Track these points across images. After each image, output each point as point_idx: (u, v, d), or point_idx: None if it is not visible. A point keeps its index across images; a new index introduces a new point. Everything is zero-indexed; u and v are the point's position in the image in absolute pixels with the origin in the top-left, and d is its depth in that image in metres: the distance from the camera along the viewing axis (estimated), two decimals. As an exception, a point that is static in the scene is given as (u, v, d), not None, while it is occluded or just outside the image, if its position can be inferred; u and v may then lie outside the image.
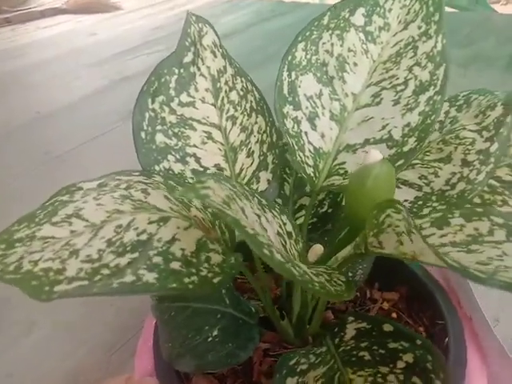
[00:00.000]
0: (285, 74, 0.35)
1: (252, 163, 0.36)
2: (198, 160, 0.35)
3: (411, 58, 0.34)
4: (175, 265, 0.25)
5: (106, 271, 0.23)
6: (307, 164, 0.34)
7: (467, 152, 0.34)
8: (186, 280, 0.24)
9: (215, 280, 0.25)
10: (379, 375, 0.28)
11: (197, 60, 0.35)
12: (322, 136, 0.35)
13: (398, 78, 0.34)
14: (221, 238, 0.29)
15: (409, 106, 0.34)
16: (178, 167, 0.34)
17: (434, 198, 0.33)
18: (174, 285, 0.23)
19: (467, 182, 0.32)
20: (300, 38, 0.35)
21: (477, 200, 0.33)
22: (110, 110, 1.30)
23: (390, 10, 0.35)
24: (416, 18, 0.34)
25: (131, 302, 0.67)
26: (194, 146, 0.35)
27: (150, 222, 0.27)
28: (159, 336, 0.36)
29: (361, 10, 0.35)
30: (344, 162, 0.35)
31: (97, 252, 0.24)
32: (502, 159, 0.34)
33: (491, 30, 1.84)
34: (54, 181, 0.97)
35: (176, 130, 0.35)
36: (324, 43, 0.35)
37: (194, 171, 0.35)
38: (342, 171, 0.34)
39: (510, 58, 1.52)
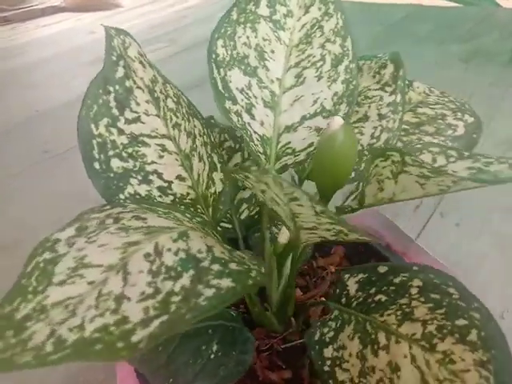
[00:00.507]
0: (215, 71, 0.36)
1: (204, 167, 0.37)
2: (160, 176, 0.34)
3: (320, 36, 0.37)
4: (232, 265, 0.24)
5: (176, 298, 0.21)
6: (259, 152, 0.36)
7: (379, 107, 0.38)
8: (253, 274, 0.24)
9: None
10: (404, 306, 0.31)
11: (129, 73, 0.34)
12: (262, 124, 0.36)
13: (314, 56, 0.37)
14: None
15: (332, 78, 0.37)
16: (143, 189, 0.33)
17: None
18: (250, 281, 0.23)
19: (388, 131, 0.38)
20: (217, 36, 0.36)
21: (398, 144, 0.39)
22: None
23: None
24: (314, 2, 0.37)
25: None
26: (152, 162, 0.34)
27: (175, 240, 0.26)
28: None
29: (264, 2, 0.37)
30: (289, 142, 0.37)
31: (147, 285, 0.22)
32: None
33: (494, 25, 1.81)
34: (54, 179, 0.98)
35: (130, 151, 0.34)
36: (240, 37, 0.36)
37: (159, 188, 0.34)
38: (289, 151, 0.37)
39: (512, 52, 1.51)
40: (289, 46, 0.37)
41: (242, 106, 0.36)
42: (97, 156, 0.32)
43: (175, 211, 0.30)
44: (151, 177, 0.34)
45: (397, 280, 0.33)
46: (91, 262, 0.24)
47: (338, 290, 0.36)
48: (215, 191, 0.37)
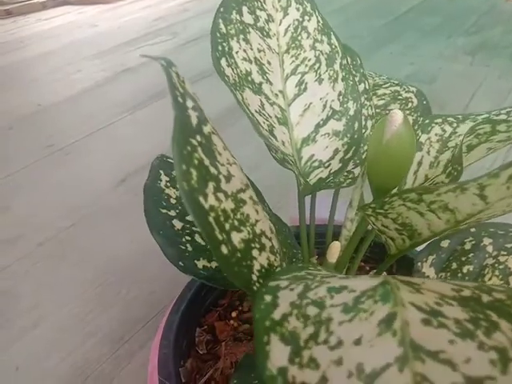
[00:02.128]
0: (237, 95, 0.33)
1: None
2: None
3: (307, 37, 0.36)
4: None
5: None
6: (299, 174, 0.35)
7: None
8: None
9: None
10: (496, 265, 0.34)
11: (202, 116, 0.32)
12: (283, 144, 0.35)
13: (310, 59, 0.36)
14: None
15: (332, 78, 0.36)
16: (264, 257, 0.27)
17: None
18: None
19: (370, 118, 0.40)
20: (218, 55, 0.33)
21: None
22: (112, 102, 1.29)
23: (264, 0, 0.35)
24: (290, 2, 0.36)
25: (140, 294, 0.67)
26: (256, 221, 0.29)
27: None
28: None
29: (245, 8, 0.34)
30: (312, 155, 0.36)
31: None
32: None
33: (499, 18, 1.81)
34: (58, 174, 0.97)
35: (239, 217, 0.28)
36: (237, 52, 0.34)
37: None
38: (316, 164, 0.36)
39: (517, 45, 1.50)
40: (279, 53, 0.35)
41: (267, 130, 0.34)
42: (220, 237, 0.22)
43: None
44: (263, 240, 0.26)
45: (467, 247, 0.34)
46: None
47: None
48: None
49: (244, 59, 0.33)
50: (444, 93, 1.21)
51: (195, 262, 0.33)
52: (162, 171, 0.36)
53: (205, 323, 0.46)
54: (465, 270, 0.36)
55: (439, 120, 0.39)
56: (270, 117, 0.34)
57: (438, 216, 0.24)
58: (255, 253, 0.25)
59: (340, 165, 0.36)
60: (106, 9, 2.38)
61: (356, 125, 0.36)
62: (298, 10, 0.36)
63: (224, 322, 0.46)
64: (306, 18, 0.36)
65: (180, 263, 0.32)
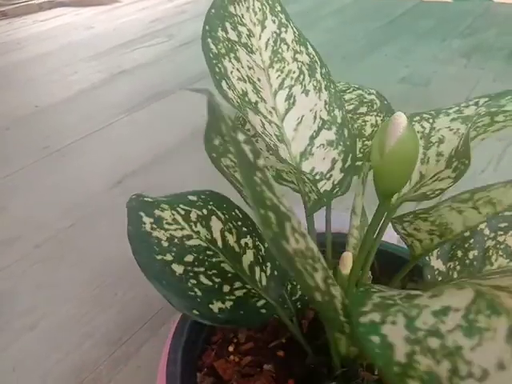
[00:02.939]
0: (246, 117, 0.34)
1: None
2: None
3: (288, 49, 0.36)
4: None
5: None
6: (308, 190, 0.34)
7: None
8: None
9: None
10: (498, 245, 0.36)
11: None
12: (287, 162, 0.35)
13: (294, 72, 0.36)
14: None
15: (317, 88, 0.37)
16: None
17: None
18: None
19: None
20: (218, 77, 0.33)
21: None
22: (109, 104, 1.30)
23: (242, 15, 0.35)
24: (266, 15, 0.36)
25: (136, 296, 0.67)
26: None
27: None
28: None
29: (228, 25, 0.34)
30: (313, 169, 0.36)
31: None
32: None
33: (492, 20, 1.82)
34: (54, 175, 0.97)
35: None
36: (231, 72, 0.34)
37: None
38: (318, 176, 0.36)
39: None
40: (264, 68, 0.35)
41: (274, 149, 0.34)
42: (311, 283, 0.22)
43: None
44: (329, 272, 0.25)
45: (466, 233, 0.35)
46: None
47: (429, 276, 0.36)
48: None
49: (239, 79, 0.32)
50: (438, 95, 1.22)
51: (210, 306, 0.32)
52: (142, 213, 0.36)
53: (203, 366, 0.43)
54: (470, 255, 0.37)
55: (417, 118, 0.40)
56: (271, 135, 0.34)
57: (479, 211, 0.26)
58: (333, 290, 0.23)
59: (342, 174, 0.36)
60: (102, 10, 2.38)
61: (346, 132, 0.37)
62: (274, 22, 0.36)
63: (224, 360, 0.43)
64: (283, 29, 0.36)
65: (194, 311, 0.31)
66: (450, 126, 0.38)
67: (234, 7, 0.33)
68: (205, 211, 0.37)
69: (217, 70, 0.30)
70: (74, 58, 1.68)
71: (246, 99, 0.32)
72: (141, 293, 0.68)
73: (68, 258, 0.76)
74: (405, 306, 0.20)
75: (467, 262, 0.37)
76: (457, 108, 0.40)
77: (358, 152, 0.42)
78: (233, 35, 0.33)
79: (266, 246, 0.39)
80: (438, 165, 0.37)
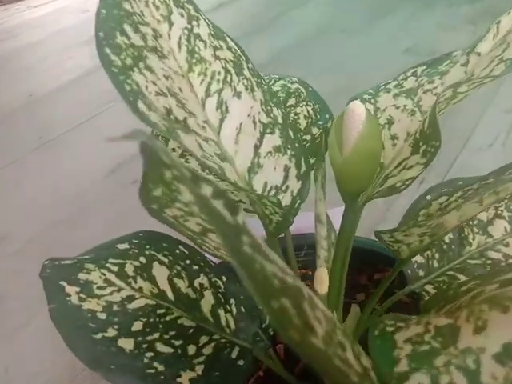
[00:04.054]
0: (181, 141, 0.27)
1: None
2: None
3: (205, 46, 0.30)
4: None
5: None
6: (265, 214, 0.29)
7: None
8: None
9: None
10: None
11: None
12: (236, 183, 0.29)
13: (219, 73, 0.30)
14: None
15: (249, 87, 0.31)
16: None
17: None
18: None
19: None
20: (131, 98, 0.25)
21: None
22: (105, 90, 1.24)
23: (142, 12, 0.28)
24: (171, 9, 0.29)
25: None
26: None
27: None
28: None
29: (128, 28, 0.26)
30: (265, 183, 0.31)
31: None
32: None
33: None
34: (50, 166, 0.94)
35: None
36: (147, 86, 0.26)
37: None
38: (273, 191, 0.31)
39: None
40: (183, 75, 0.28)
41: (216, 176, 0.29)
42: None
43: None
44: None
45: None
46: None
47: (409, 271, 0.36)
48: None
49: (158, 94, 0.25)
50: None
51: (178, 380, 0.27)
52: (63, 283, 0.29)
53: None
54: (446, 239, 0.35)
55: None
56: (213, 156, 0.27)
57: (482, 203, 0.24)
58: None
59: (300, 183, 0.31)
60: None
61: (291, 132, 0.32)
62: (182, 15, 0.29)
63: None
64: (195, 23, 0.29)
65: None
66: (396, 104, 0.35)
67: (130, 3, 0.25)
68: (142, 259, 0.31)
69: (127, 87, 0.23)
70: (69, 43, 1.58)
71: (172, 118, 0.25)
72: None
73: (61, 252, 0.74)
74: (452, 352, 0.17)
75: (444, 247, 0.35)
76: (396, 82, 0.37)
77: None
78: (136, 39, 0.25)
79: (224, 279, 0.33)
80: (398, 150, 0.33)
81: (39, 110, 1.20)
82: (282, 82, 0.42)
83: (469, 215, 0.25)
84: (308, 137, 0.39)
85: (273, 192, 0.30)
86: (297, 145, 0.31)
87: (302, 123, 0.40)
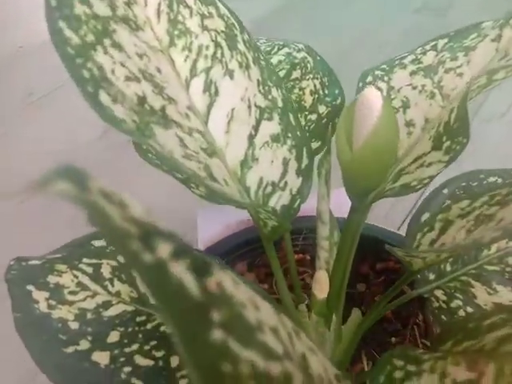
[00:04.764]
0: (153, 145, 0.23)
1: None
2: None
3: (191, 14, 0.24)
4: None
5: None
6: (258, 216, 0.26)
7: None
8: None
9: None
10: None
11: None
12: (226, 182, 0.24)
13: (208, 47, 0.25)
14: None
15: (243, 65, 0.26)
16: None
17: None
18: None
19: None
20: (90, 88, 0.20)
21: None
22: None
23: None
24: None
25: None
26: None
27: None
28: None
29: None
30: (261, 179, 0.27)
31: None
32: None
33: None
34: (38, 126, 0.90)
35: None
36: (113, 70, 0.21)
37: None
38: (270, 188, 0.27)
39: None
40: (163, 50, 0.23)
41: (207, 177, 0.23)
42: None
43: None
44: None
45: None
46: None
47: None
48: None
49: (128, 79, 0.20)
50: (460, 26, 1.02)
51: None
52: (30, 287, 0.25)
53: None
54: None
55: (369, 78, 0.33)
56: (198, 153, 0.23)
57: None
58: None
59: (300, 179, 0.27)
60: None
61: (291, 117, 0.27)
62: None
63: None
64: None
65: None
66: (413, 83, 0.31)
67: None
68: (121, 258, 0.27)
69: (85, 74, 0.18)
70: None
71: (147, 107, 0.20)
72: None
73: (54, 216, 0.71)
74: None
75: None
76: (413, 57, 0.32)
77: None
78: (102, 8, 0.20)
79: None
80: (415, 140, 0.29)
81: (30, 63, 1.12)
82: (286, 49, 0.37)
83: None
84: (314, 116, 0.35)
85: (269, 189, 0.26)
86: (298, 133, 0.27)
87: (308, 100, 0.35)
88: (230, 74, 0.25)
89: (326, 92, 0.36)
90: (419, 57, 0.32)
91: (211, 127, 0.24)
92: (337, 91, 0.36)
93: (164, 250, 0.10)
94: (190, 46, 0.23)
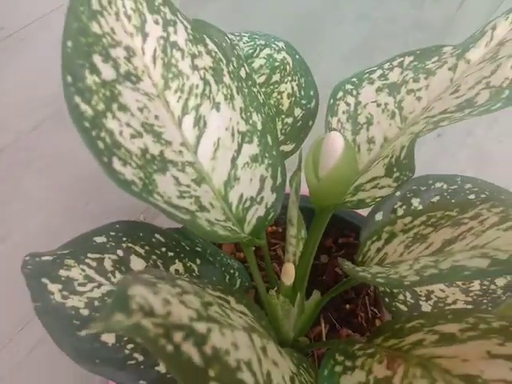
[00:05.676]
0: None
1: None
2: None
3: (183, 57, 0.28)
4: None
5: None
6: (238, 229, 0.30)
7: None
8: None
9: None
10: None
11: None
12: (212, 206, 0.28)
13: (197, 86, 0.28)
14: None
15: (228, 97, 0.29)
16: None
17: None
18: None
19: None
20: (105, 158, 0.23)
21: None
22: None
23: (113, 29, 0.25)
24: (144, 17, 0.26)
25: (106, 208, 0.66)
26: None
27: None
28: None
29: (97, 58, 0.23)
30: (241, 195, 0.31)
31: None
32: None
33: None
34: (12, 66, 0.87)
35: None
36: (121, 132, 0.24)
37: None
38: (248, 203, 0.31)
39: None
40: (159, 95, 0.26)
41: (198, 209, 0.26)
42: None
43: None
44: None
45: (400, 212, 0.38)
46: None
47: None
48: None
49: (133, 136, 0.23)
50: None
51: (156, 369, 0.29)
52: (45, 280, 0.30)
53: None
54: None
55: (340, 94, 0.37)
56: (189, 186, 0.26)
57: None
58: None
59: (274, 195, 0.31)
60: None
61: (269, 139, 0.31)
62: (157, 22, 0.26)
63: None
64: (171, 29, 0.26)
65: (141, 382, 0.29)
66: (377, 100, 0.35)
67: (99, 23, 0.22)
68: (120, 252, 0.32)
69: (100, 145, 0.21)
70: None
71: (148, 157, 0.24)
72: (111, 205, 0.67)
73: (35, 163, 0.72)
74: None
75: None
76: (380, 72, 0.36)
77: (279, 134, 0.39)
78: (108, 72, 0.23)
79: (199, 262, 0.36)
80: (373, 157, 0.34)
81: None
82: (267, 50, 0.40)
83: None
84: (290, 119, 0.39)
85: (248, 204, 0.30)
86: (274, 152, 0.31)
87: (285, 104, 0.39)
88: (216, 107, 0.28)
89: (302, 94, 0.39)
90: (386, 72, 0.36)
91: (200, 155, 0.28)
92: (312, 92, 0.39)
93: (178, 337, 0.15)
94: (182, 88, 0.27)
